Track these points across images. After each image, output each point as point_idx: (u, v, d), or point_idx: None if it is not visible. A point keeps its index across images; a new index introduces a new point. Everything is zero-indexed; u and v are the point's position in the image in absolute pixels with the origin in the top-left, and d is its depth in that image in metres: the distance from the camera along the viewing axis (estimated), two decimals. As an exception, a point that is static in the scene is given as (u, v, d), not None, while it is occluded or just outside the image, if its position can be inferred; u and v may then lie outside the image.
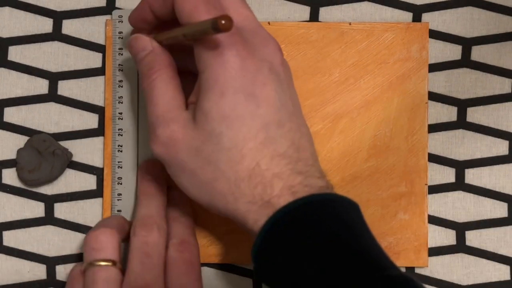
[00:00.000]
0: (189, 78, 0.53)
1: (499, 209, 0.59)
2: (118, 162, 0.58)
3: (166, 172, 0.52)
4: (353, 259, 0.46)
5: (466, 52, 0.59)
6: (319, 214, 0.47)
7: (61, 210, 0.58)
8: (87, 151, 0.59)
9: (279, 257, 0.47)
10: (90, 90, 0.59)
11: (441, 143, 0.59)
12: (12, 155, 0.58)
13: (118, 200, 0.57)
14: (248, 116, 0.48)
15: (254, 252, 0.48)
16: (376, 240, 0.48)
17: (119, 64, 0.58)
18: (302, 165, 0.49)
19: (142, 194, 0.55)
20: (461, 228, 0.58)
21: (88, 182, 0.58)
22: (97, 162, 0.58)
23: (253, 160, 0.48)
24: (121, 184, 0.57)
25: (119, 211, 0.57)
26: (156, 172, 0.56)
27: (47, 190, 0.58)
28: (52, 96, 0.59)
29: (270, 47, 0.50)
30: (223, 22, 0.46)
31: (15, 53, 0.59)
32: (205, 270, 0.58)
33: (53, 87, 0.59)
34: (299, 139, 0.49)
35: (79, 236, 0.58)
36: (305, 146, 0.50)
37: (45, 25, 0.59)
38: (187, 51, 0.52)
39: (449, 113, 0.59)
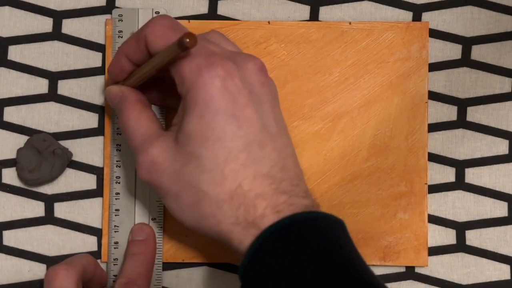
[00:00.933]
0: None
1: (499, 209, 0.59)
2: (117, 161, 0.58)
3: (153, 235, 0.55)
4: (340, 276, 0.46)
5: (466, 52, 0.59)
6: (305, 233, 0.47)
7: (61, 210, 0.58)
8: (87, 150, 0.59)
9: (267, 276, 0.46)
10: (90, 89, 0.59)
11: (441, 142, 0.59)
12: (12, 155, 0.58)
13: (116, 199, 0.57)
14: (229, 137, 0.48)
15: (241, 272, 0.47)
16: (361, 257, 0.48)
17: (118, 64, 0.58)
18: (286, 184, 0.48)
19: (130, 254, 0.56)
20: (461, 228, 0.58)
21: (88, 181, 0.58)
22: (97, 161, 0.58)
23: (235, 181, 0.48)
24: (119, 183, 0.57)
25: (117, 210, 0.57)
26: (146, 234, 0.57)
27: (47, 189, 0.58)
28: (52, 95, 0.59)
29: (251, 67, 0.50)
30: (187, 40, 0.46)
31: (15, 53, 0.59)
32: (205, 270, 0.58)
33: (53, 86, 0.59)
34: (283, 159, 0.49)
35: (79, 236, 0.58)
36: (290, 166, 0.49)
37: (45, 24, 0.59)
38: (159, 87, 0.54)
39: (449, 113, 0.59)
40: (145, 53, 0.51)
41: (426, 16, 0.59)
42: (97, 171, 0.58)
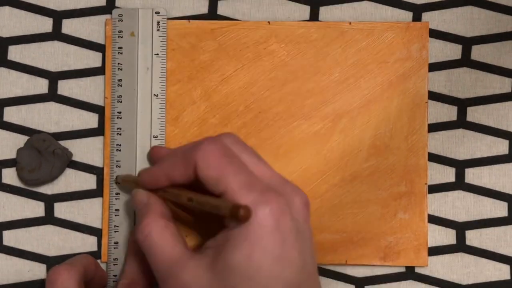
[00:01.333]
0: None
1: (499, 209, 0.59)
2: (117, 161, 0.58)
3: None
4: None
5: (466, 52, 0.59)
6: None
7: (61, 210, 0.58)
8: (87, 150, 0.59)
9: None
10: (90, 89, 0.59)
11: (441, 142, 0.59)
12: (12, 155, 0.58)
13: (116, 199, 0.57)
14: (272, 279, 0.47)
15: None
16: None
17: (118, 64, 0.58)
18: None
19: (131, 254, 0.56)
20: (461, 228, 0.58)
21: (88, 181, 0.58)
22: (97, 161, 0.58)
23: None
24: (119, 183, 0.57)
25: (117, 210, 0.57)
26: None
27: (47, 189, 0.58)
28: (52, 95, 0.59)
29: (299, 202, 0.49)
30: (242, 213, 0.46)
31: (15, 53, 0.59)
32: (205, 270, 0.58)
33: (53, 86, 0.59)
34: None
35: (79, 236, 0.58)
36: None
37: (45, 24, 0.59)
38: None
39: (449, 113, 0.59)
40: (192, 178, 0.50)
41: (426, 16, 0.59)
42: (97, 171, 0.58)
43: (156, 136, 0.58)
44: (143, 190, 0.54)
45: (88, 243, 0.58)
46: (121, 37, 0.58)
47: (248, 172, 0.49)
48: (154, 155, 0.57)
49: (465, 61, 0.59)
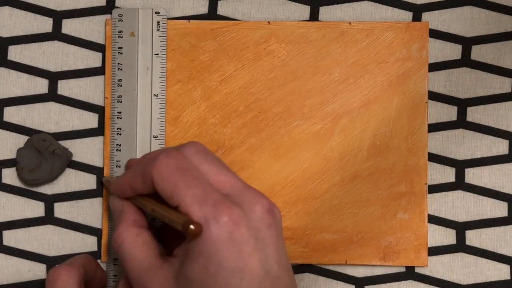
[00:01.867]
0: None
1: (499, 209, 0.59)
2: (117, 161, 0.58)
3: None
4: None
5: (466, 52, 0.59)
6: None
7: (61, 210, 0.58)
8: (87, 150, 0.59)
9: None
10: (90, 89, 0.59)
11: (441, 142, 0.59)
12: (12, 155, 0.58)
13: (117, 200, 0.57)
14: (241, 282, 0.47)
15: None
16: None
17: (118, 64, 0.58)
18: None
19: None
20: (461, 228, 0.58)
21: (88, 181, 0.58)
22: (97, 161, 0.58)
23: None
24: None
25: (118, 211, 0.57)
26: None
27: (47, 189, 0.58)
28: (52, 95, 0.59)
29: (259, 211, 0.49)
30: (192, 229, 0.47)
31: (15, 53, 0.59)
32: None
33: (53, 86, 0.59)
34: None
35: (79, 236, 0.58)
36: None
37: (45, 24, 0.59)
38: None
39: (449, 113, 0.59)
40: (152, 190, 0.51)
41: (426, 16, 0.59)
42: (97, 171, 0.58)
43: (156, 136, 0.58)
44: (117, 197, 0.54)
45: (88, 243, 0.58)
46: (121, 37, 0.58)
47: (203, 185, 0.49)
48: (128, 164, 0.57)
49: (465, 61, 0.59)
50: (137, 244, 0.51)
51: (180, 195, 0.49)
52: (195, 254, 0.48)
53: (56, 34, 0.59)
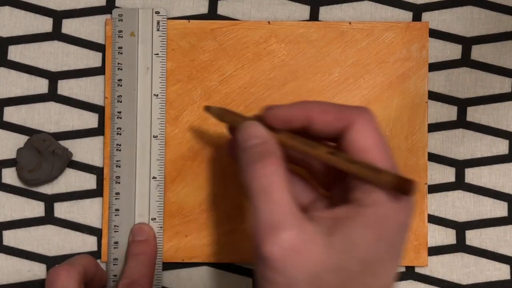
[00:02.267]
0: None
1: (499, 209, 0.59)
2: (117, 161, 0.58)
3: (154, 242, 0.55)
4: None
5: (466, 52, 0.59)
6: None
7: (61, 210, 0.58)
8: (87, 150, 0.59)
9: None
10: (90, 89, 0.59)
11: (441, 142, 0.59)
12: (12, 155, 0.58)
13: (116, 199, 0.57)
14: (390, 263, 0.45)
15: None
16: None
17: (118, 63, 0.58)
18: None
19: (131, 254, 0.56)
20: (461, 228, 0.58)
21: (88, 181, 0.58)
22: (97, 161, 0.58)
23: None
24: (119, 183, 0.57)
25: (117, 210, 0.57)
26: (146, 234, 0.57)
27: (47, 189, 0.58)
28: (52, 95, 0.59)
29: None
30: (408, 186, 0.43)
31: (15, 53, 0.59)
32: (205, 270, 0.58)
33: (53, 86, 0.59)
34: None
35: (79, 236, 0.58)
36: None
37: (45, 24, 0.59)
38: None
39: (449, 113, 0.59)
40: (333, 134, 0.46)
41: (426, 16, 0.59)
42: (97, 171, 0.58)
43: (156, 136, 0.58)
44: (257, 123, 0.46)
45: (88, 243, 0.58)
46: (121, 37, 0.58)
47: (392, 158, 0.46)
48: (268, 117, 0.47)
49: (465, 61, 0.59)
50: (286, 185, 0.43)
51: (379, 155, 0.45)
52: (371, 221, 0.43)
53: (56, 34, 0.59)
